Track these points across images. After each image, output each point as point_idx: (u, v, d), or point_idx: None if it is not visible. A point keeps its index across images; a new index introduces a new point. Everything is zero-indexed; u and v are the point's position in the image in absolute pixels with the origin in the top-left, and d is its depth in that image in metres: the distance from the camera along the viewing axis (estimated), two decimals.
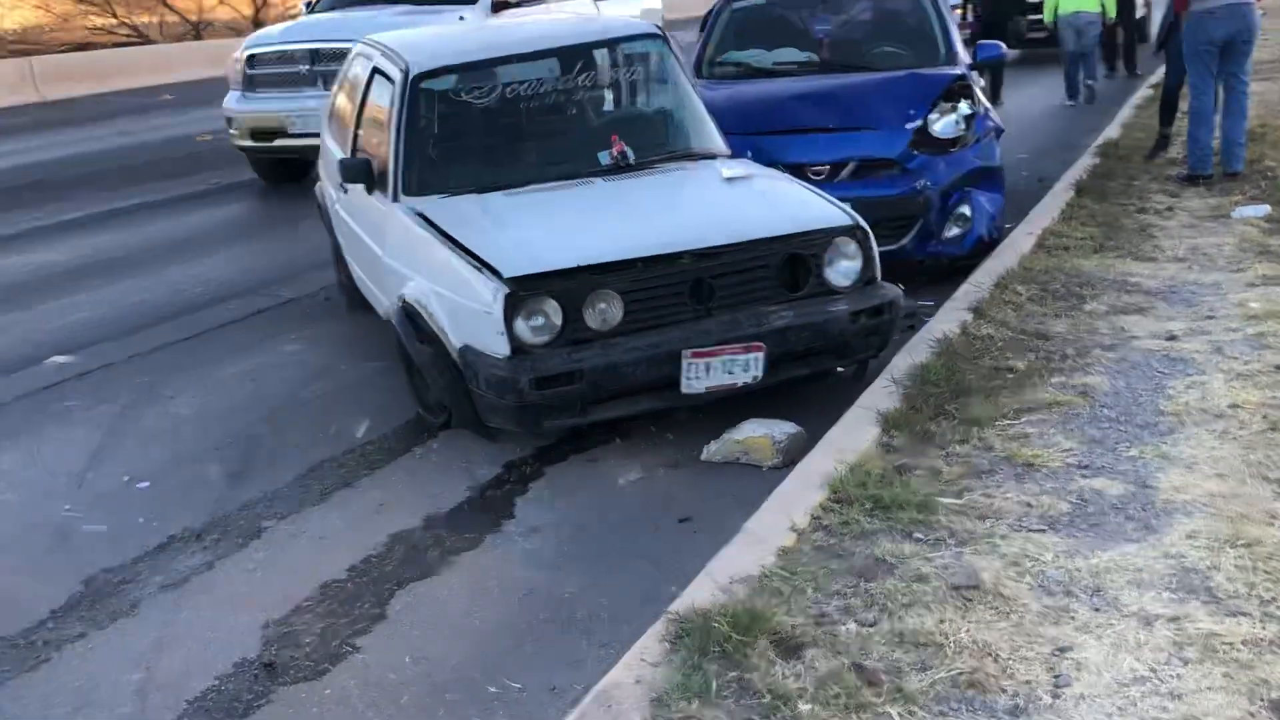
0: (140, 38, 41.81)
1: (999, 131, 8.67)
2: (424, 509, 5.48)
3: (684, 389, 5.84)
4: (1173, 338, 6.21)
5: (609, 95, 7.33)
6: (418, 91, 7.07)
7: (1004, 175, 8.58)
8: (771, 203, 6.35)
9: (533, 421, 5.87)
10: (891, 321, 6.22)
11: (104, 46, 36.94)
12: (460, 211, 6.47)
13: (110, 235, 11.68)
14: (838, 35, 9.43)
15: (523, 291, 5.74)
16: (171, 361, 7.75)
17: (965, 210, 8.31)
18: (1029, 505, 4.52)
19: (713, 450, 5.80)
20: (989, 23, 18.47)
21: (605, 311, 5.85)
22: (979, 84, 8.95)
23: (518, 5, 13.44)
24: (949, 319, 6.62)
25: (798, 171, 8.06)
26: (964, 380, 5.62)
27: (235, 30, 38.23)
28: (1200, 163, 9.91)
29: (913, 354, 6.06)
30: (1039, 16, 17.67)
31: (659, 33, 7.46)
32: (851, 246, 6.20)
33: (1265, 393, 5.28)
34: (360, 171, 7.04)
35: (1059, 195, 9.73)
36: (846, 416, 5.57)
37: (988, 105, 8.74)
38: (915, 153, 8.20)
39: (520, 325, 5.75)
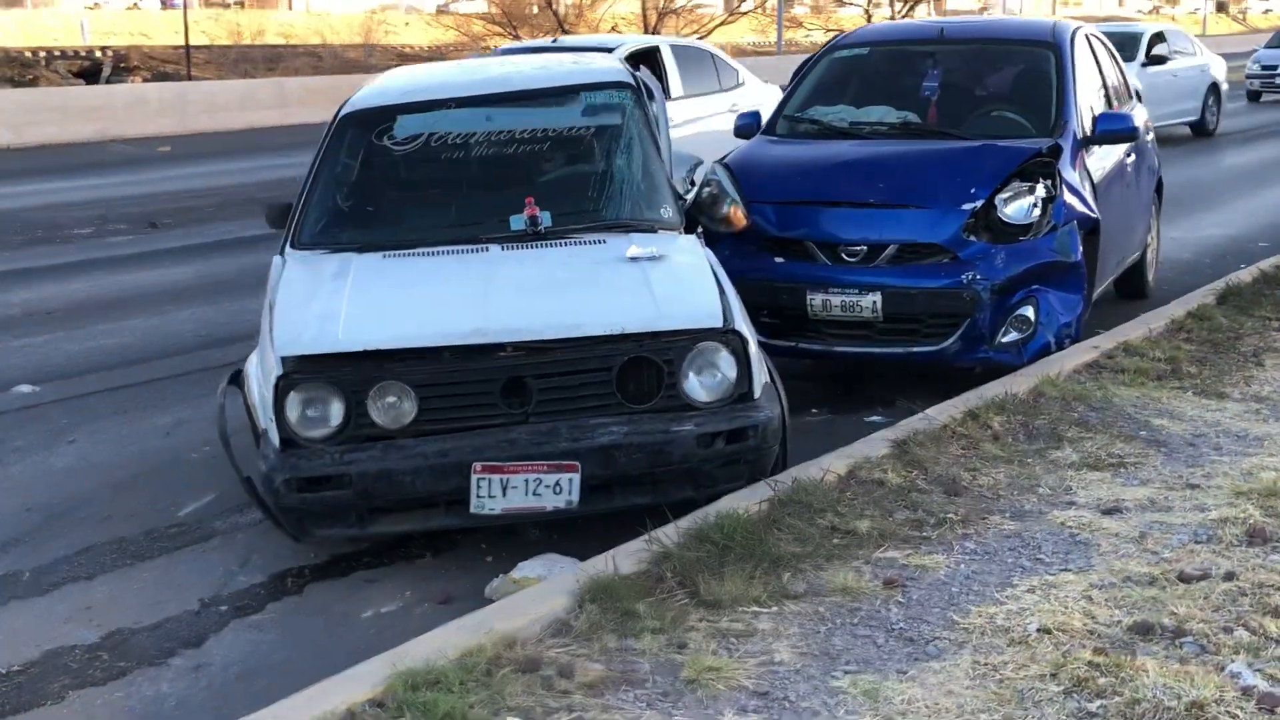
0: None
1: (1085, 222, 7.19)
2: (126, 619, 4.71)
3: (473, 509, 4.85)
4: (1111, 511, 4.75)
5: (557, 150, 6.35)
6: (344, 131, 6.31)
7: (1084, 273, 7.11)
8: (639, 293, 5.16)
9: (297, 528, 5.00)
10: (759, 449, 5.05)
11: None
12: (316, 272, 5.62)
13: None
14: (946, 95, 8.09)
15: (296, 374, 4.89)
16: (119, 403, 7.29)
17: (1028, 312, 6.90)
18: None
19: (494, 587, 4.77)
20: None
21: (395, 406, 4.92)
22: (1085, 160, 7.47)
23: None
24: (848, 453, 5.36)
25: (830, 251, 6.93)
26: (762, 543, 4.41)
27: None
28: None
29: (737, 498, 4.84)
30: None
31: (630, 82, 6.43)
32: (721, 354, 5.04)
33: (1110, 612, 3.83)
34: (277, 217, 6.36)
35: (1190, 300, 8.09)
36: (555, 576, 4.44)
37: (1080, 188, 7.28)
38: (971, 239, 6.85)
39: (293, 414, 4.88)
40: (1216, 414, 5.93)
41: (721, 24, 53.38)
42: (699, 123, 12.39)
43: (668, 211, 6.01)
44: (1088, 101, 7.85)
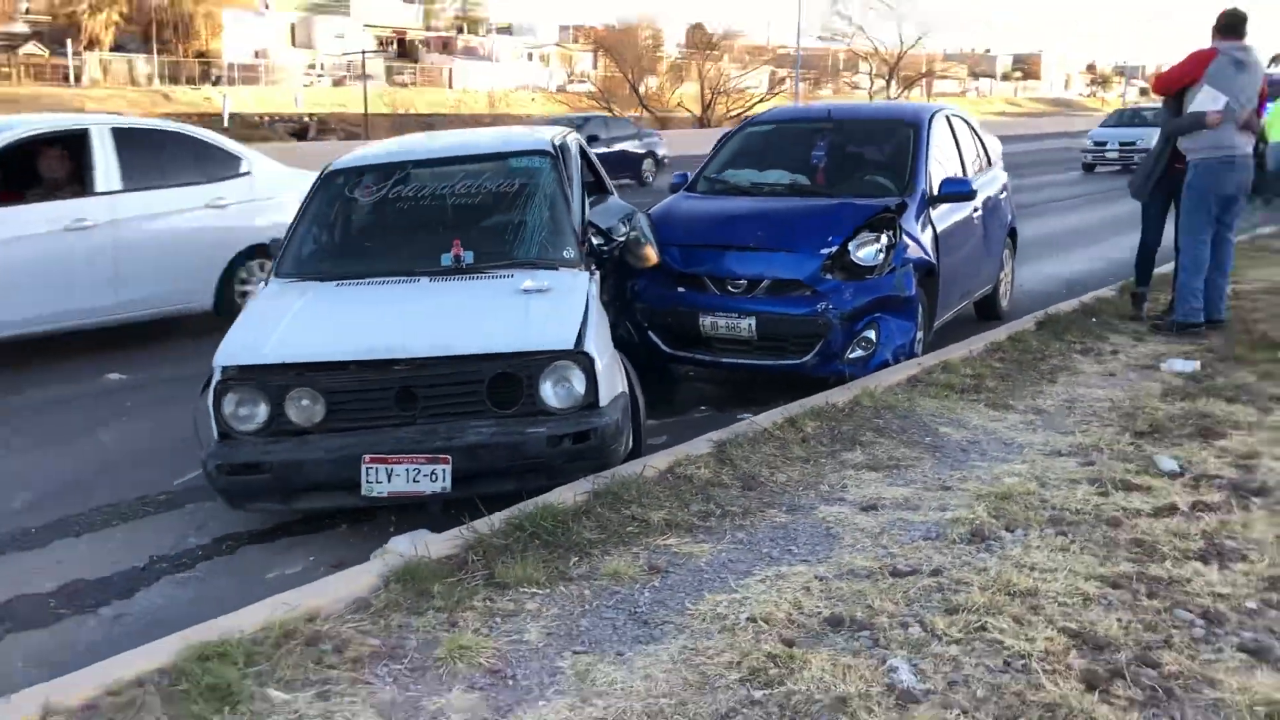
0: None
1: (920, 264, 6.60)
2: (84, 572, 4.32)
3: (364, 492, 4.44)
4: (868, 508, 4.24)
5: (487, 202, 5.89)
6: (325, 185, 5.93)
7: (918, 305, 6.53)
8: (515, 319, 4.72)
9: (232, 502, 4.63)
10: (599, 448, 4.57)
11: None
12: (280, 297, 5.24)
13: None
14: (830, 162, 7.53)
15: (230, 381, 4.52)
16: (174, 391, 6.89)
17: (871, 335, 6.35)
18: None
19: (375, 555, 4.35)
20: None
21: (308, 409, 4.53)
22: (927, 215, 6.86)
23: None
24: (674, 452, 4.85)
25: (720, 283, 6.45)
26: (567, 531, 3.92)
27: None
28: (1194, 313, 7.37)
29: (564, 490, 4.35)
30: None
31: (550, 150, 5.96)
32: (572, 370, 4.58)
33: (817, 603, 3.28)
34: (276, 249, 5.97)
35: (1015, 325, 7.43)
36: (388, 545, 3.98)
37: (919, 238, 6.69)
38: (827, 276, 6.32)
39: (229, 413, 4.51)
40: (996, 423, 5.34)
41: (760, 100, 52.63)
42: (143, 223, 7.79)
43: (569, 253, 5.53)
44: (939, 169, 7.23)
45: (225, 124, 43.48)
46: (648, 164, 25.87)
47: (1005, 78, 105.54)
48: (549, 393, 4.57)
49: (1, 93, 46.47)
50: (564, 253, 5.53)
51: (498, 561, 3.66)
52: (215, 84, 54.71)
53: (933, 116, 7.54)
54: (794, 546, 3.88)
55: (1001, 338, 6.91)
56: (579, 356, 4.58)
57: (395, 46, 68.64)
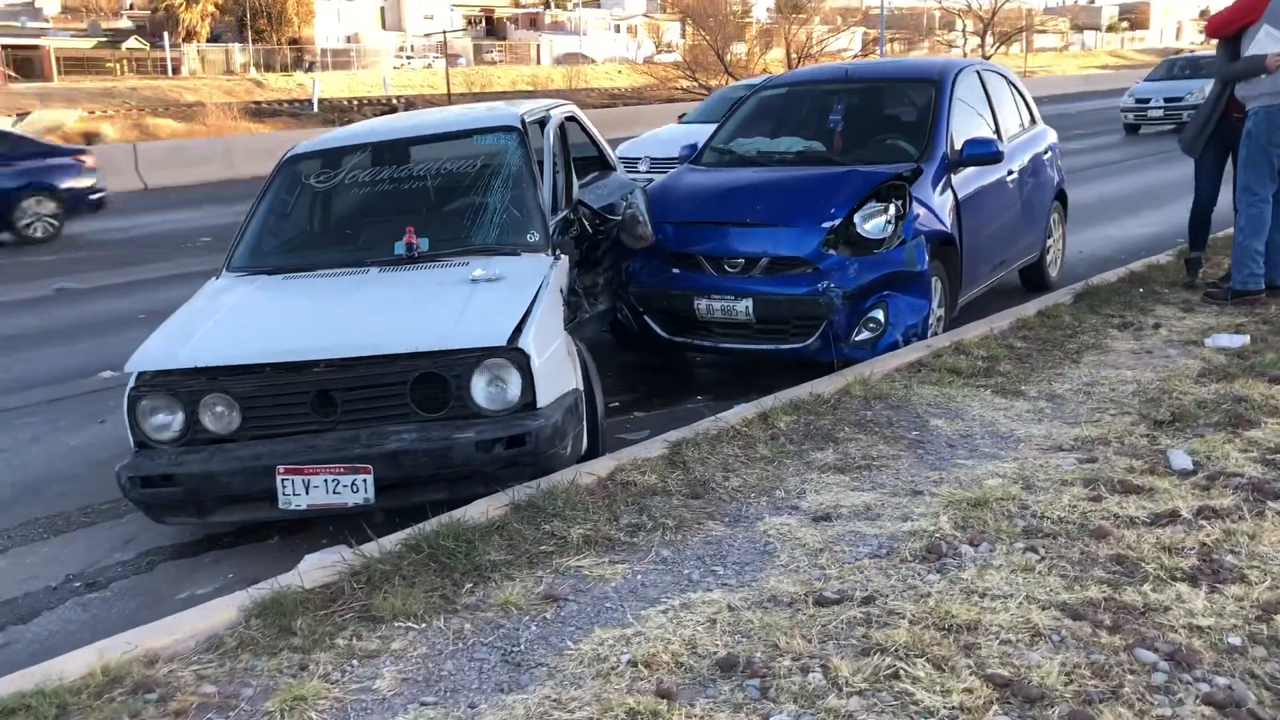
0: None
1: (935, 235, 6.02)
2: None
3: (281, 505, 4.10)
4: (821, 518, 3.75)
5: (448, 184, 5.48)
6: (281, 173, 5.60)
7: (931, 281, 5.95)
8: (445, 313, 4.33)
9: (149, 516, 4.34)
10: (536, 453, 4.16)
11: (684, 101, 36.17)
12: (216, 294, 4.95)
13: None
14: (848, 125, 6.95)
15: (143, 387, 4.22)
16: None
17: (879, 315, 5.82)
18: None
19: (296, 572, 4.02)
20: None
21: (224, 416, 4.21)
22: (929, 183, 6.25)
23: None
24: (621, 455, 4.39)
25: (715, 263, 5.98)
26: (470, 553, 3.52)
27: None
28: (1253, 279, 6.64)
29: (495, 500, 3.92)
30: None
31: (517, 126, 5.54)
32: (506, 369, 4.18)
33: (716, 641, 2.81)
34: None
35: (1049, 298, 6.78)
36: (300, 565, 3.60)
37: (934, 206, 6.10)
38: (830, 252, 5.80)
39: (144, 420, 4.23)
40: (998, 413, 4.78)
41: None
42: None
43: (534, 236, 5.12)
44: (964, 130, 6.61)
45: (315, 109, 43.94)
46: (30, 205, 13.88)
47: (1111, 29, 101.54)
48: (481, 394, 4.18)
49: (101, 86, 47.66)
50: (528, 236, 5.13)
51: (380, 590, 3.27)
52: (308, 70, 55.38)
53: (958, 73, 6.92)
54: (720, 567, 3.42)
55: (1030, 313, 6.29)
56: (513, 354, 4.18)
57: (484, 24, 68.70)
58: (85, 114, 41.13)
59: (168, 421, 4.22)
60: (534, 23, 68.88)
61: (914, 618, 2.96)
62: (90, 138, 37.40)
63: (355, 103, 46.21)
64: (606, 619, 3.11)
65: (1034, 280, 7.99)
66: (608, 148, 7.18)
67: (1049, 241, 8.00)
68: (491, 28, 68.54)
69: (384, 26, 63.79)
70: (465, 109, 6.50)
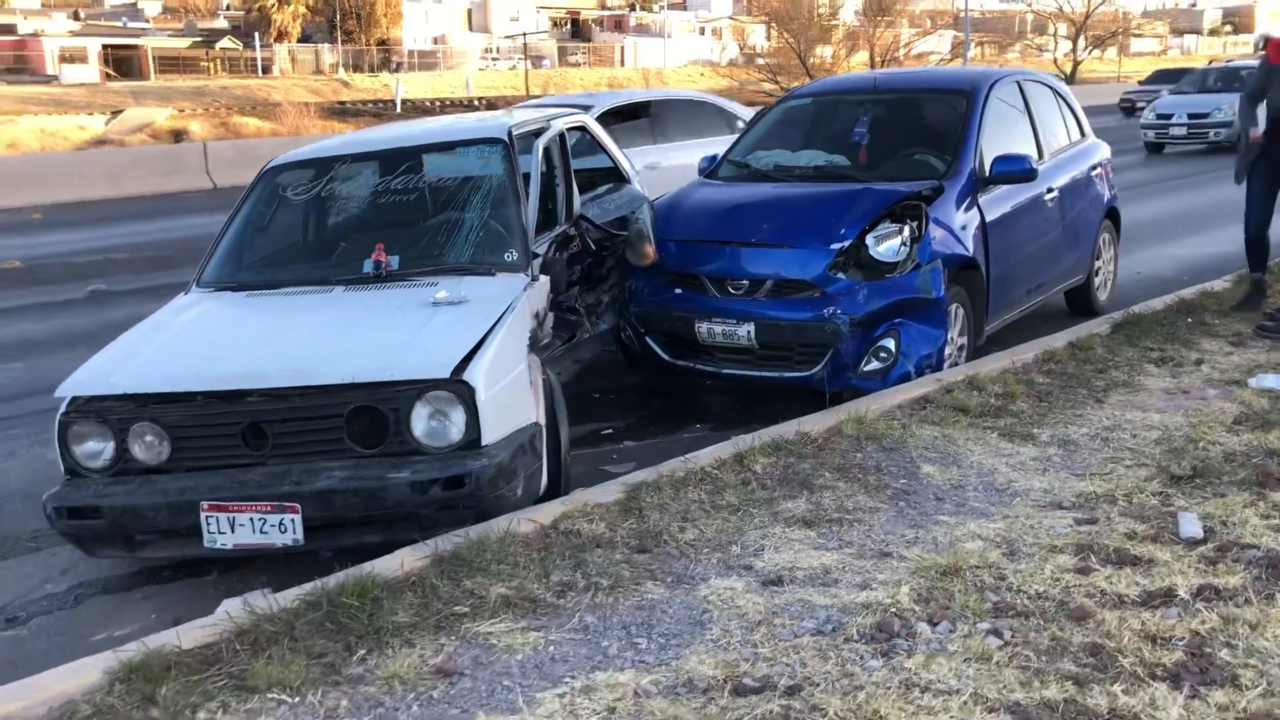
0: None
1: (954, 260, 5.57)
2: None
3: (206, 543, 3.83)
4: (772, 582, 3.36)
5: (427, 198, 5.19)
6: (257, 185, 5.36)
7: (947, 309, 5.49)
8: (393, 340, 4.03)
9: (80, 548, 4.11)
10: (476, 495, 3.83)
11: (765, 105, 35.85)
12: (179, 311, 4.73)
13: None
14: (874, 139, 6.51)
15: (74, 413, 3.99)
16: None
17: (890, 344, 5.40)
18: None
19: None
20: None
21: (154, 446, 3.96)
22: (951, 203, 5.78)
23: None
24: (573, 500, 4.03)
25: (719, 284, 5.61)
26: (374, 613, 3.20)
27: None
28: None
29: (417, 551, 3.59)
30: None
31: (503, 138, 5.22)
32: (450, 403, 3.87)
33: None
34: None
35: (1083, 328, 6.26)
36: (219, 610, 3.30)
37: (955, 227, 5.65)
38: (838, 275, 5.40)
39: (75, 448, 3.99)
40: (1001, 460, 4.34)
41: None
42: None
43: (511, 256, 4.80)
44: (995, 145, 6.14)
45: (398, 109, 44.30)
46: None
47: (1213, 33, 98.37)
48: (422, 429, 3.87)
49: (194, 84, 48.61)
50: (505, 255, 4.81)
51: (264, 654, 2.97)
52: (395, 70, 55.92)
53: (994, 84, 6.45)
54: (644, 639, 3.06)
55: (1059, 344, 5.80)
56: (457, 386, 3.85)
57: (569, 27, 68.80)
58: (175, 112, 41.97)
59: (99, 450, 3.98)
60: (619, 25, 68.78)
61: (837, 716, 2.57)
62: (178, 135, 38.15)
63: (437, 103, 46.49)
64: (496, 702, 2.77)
65: (1080, 304, 7.47)
66: (624, 158, 6.83)
67: (1097, 263, 7.47)
68: (577, 30, 68.60)
69: (470, 28, 64.19)
70: (455, 119, 6.23)
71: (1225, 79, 19.81)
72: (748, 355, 5.60)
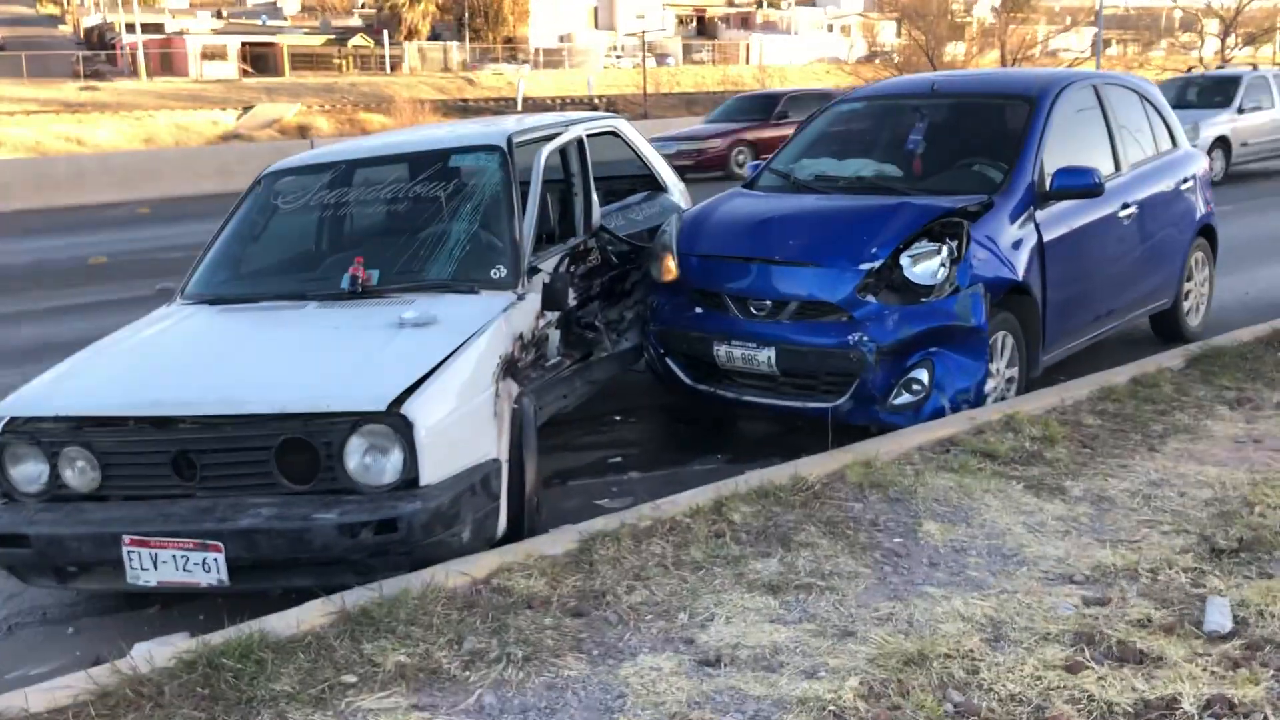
0: None
1: (999, 284, 5.01)
2: None
3: (129, 579, 3.58)
4: (709, 662, 2.91)
5: (416, 209, 4.86)
6: (252, 189, 5.14)
7: (987, 339, 4.93)
8: (335, 366, 3.73)
9: (13, 575, 3.90)
10: (409, 540, 3.48)
11: None
12: (147, 325, 4.52)
13: None
14: (930, 147, 5.96)
15: (9, 434, 3.78)
16: None
17: (922, 375, 4.89)
18: None
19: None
20: None
21: (84, 472, 3.72)
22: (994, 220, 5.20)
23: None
24: (519, 550, 3.63)
25: (741, 304, 5.19)
26: (254, 678, 2.87)
27: None
28: None
29: (326, 606, 3.25)
30: None
31: (500, 147, 4.85)
32: (386, 439, 3.53)
33: None
34: None
35: (1151, 361, 5.60)
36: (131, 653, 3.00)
37: (1001, 248, 5.08)
38: (867, 299, 4.91)
39: (12, 470, 3.80)
40: (1018, 519, 3.81)
41: (1069, 66, 48.36)
42: None
43: (500, 272, 4.48)
44: (1060, 156, 5.55)
45: (519, 106, 44.50)
46: None
47: None
48: (355, 466, 3.55)
49: (324, 81, 49.71)
50: (492, 271, 4.49)
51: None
52: (520, 65, 56.30)
53: (1063, 90, 5.85)
54: None
55: (1121, 380, 5.19)
56: (393, 419, 3.51)
57: (695, 24, 68.38)
58: (303, 108, 42.93)
59: (35, 473, 3.77)
60: (745, 22, 68.07)
61: None
62: (304, 130, 38.98)
63: (558, 101, 46.58)
64: None
65: (1167, 330, 6.80)
66: (661, 165, 6.43)
67: (1187, 285, 6.77)
68: (703, 27, 68.13)
69: (596, 26, 64.28)
70: (456, 125, 5.92)
71: (1209, 90, 17.39)
72: (769, 382, 5.16)
